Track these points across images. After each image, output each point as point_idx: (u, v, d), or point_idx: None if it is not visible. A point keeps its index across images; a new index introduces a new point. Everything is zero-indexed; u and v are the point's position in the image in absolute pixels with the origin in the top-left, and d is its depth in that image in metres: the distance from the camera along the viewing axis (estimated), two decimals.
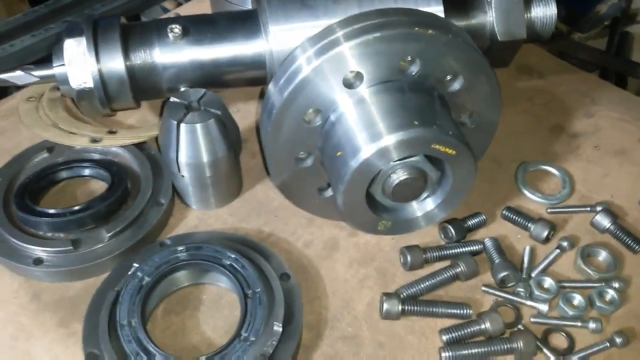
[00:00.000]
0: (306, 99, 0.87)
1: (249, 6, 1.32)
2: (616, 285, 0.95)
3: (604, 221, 1.03)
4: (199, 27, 1.05)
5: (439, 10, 1.02)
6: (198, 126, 0.98)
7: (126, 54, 1.03)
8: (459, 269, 0.96)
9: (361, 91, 0.88)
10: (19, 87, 1.23)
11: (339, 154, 0.86)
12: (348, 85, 0.87)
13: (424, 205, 0.93)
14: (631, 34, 2.11)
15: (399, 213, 0.93)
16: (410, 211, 0.93)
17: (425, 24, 0.86)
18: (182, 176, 1.03)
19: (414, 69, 0.88)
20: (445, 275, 0.96)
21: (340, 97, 0.88)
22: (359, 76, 0.87)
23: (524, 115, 1.25)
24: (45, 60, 1.78)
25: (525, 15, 1.13)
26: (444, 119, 0.86)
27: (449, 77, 0.91)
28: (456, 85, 0.91)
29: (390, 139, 0.82)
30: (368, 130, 0.84)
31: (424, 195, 0.92)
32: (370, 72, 0.87)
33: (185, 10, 1.56)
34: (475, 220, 1.04)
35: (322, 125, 0.90)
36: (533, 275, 0.98)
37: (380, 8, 0.90)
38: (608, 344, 0.89)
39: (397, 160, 0.85)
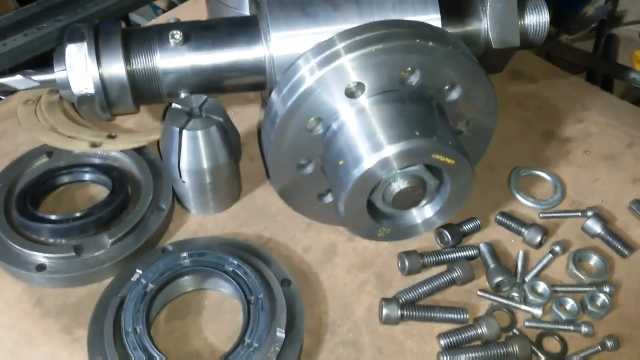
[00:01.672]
0: (309, 108, 0.89)
1: (245, 9, 1.34)
2: (607, 289, 0.98)
3: (595, 226, 1.06)
4: (199, 33, 1.06)
5: (436, 17, 1.03)
6: (200, 133, 0.99)
7: (127, 60, 1.04)
8: (456, 274, 0.98)
9: (362, 101, 0.89)
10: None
11: (341, 162, 0.88)
12: (350, 94, 0.89)
13: (423, 213, 0.95)
14: (616, 36, 2.15)
15: (399, 220, 0.95)
16: (410, 218, 0.95)
17: (425, 36, 0.88)
18: (183, 182, 1.04)
19: (414, 79, 0.90)
20: (443, 280, 0.98)
21: (342, 106, 0.90)
22: (360, 86, 0.89)
23: (516, 120, 1.28)
24: (39, 60, 1.78)
25: (519, 22, 1.16)
26: (443, 129, 0.88)
27: (447, 87, 0.93)
28: (454, 95, 0.93)
29: (391, 150, 0.84)
30: (370, 140, 0.86)
31: (423, 202, 0.94)
32: (371, 82, 0.88)
33: (180, 12, 1.56)
34: (471, 225, 1.06)
35: (323, 134, 0.92)
36: (527, 279, 1.00)
37: (381, 20, 0.92)
38: (599, 347, 0.92)
39: (397, 169, 0.87)
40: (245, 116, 1.27)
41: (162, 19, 1.53)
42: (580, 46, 2.11)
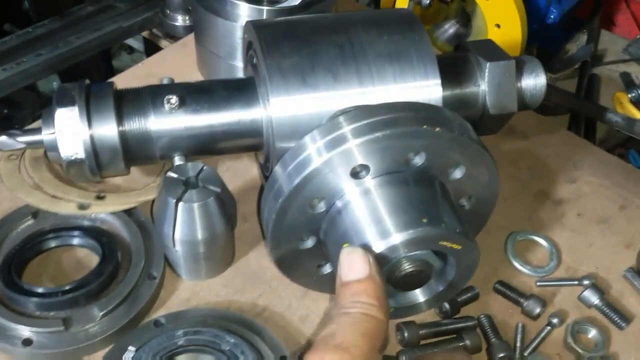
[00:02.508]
0: (314, 187, 0.87)
1: (237, 60, 1.32)
2: None
3: (592, 298, 1.06)
4: (194, 97, 1.03)
5: (436, 83, 1.02)
6: (196, 205, 0.96)
7: (120, 123, 1.00)
8: (463, 344, 0.98)
9: (367, 182, 0.88)
10: None
11: (345, 245, 0.86)
12: (354, 175, 0.87)
13: (427, 292, 0.94)
14: (598, 76, 2.18)
15: (402, 299, 0.94)
16: (413, 297, 0.94)
17: (432, 121, 0.87)
18: (176, 250, 1.01)
19: (419, 161, 0.89)
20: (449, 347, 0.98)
21: (347, 186, 0.88)
22: (365, 167, 0.87)
23: (510, 180, 1.28)
24: (15, 96, 1.72)
25: (516, 84, 1.15)
26: (449, 214, 0.87)
27: (451, 167, 0.92)
28: (457, 174, 0.92)
29: (399, 237, 0.82)
30: (376, 226, 0.85)
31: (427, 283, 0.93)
32: (377, 164, 0.87)
33: (167, 55, 1.52)
34: (470, 294, 1.06)
35: (326, 211, 0.90)
36: (526, 354, 1.00)
37: (388, 103, 0.91)
38: None
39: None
40: (237, 172, 1.25)
41: (148, 70, 1.48)
42: (563, 85, 2.13)
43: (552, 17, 1.99)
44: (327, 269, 1.00)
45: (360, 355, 0.68)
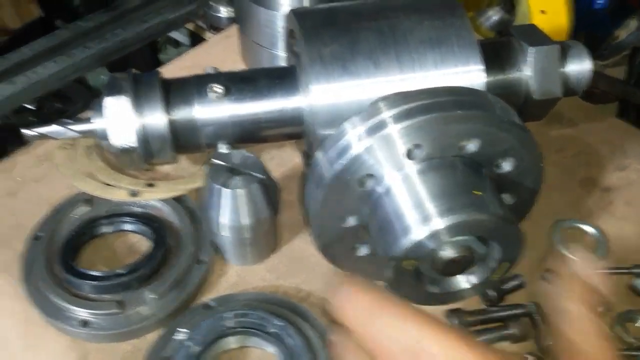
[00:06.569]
0: (356, 172, 0.88)
1: (279, 50, 1.33)
2: None
3: None
4: (239, 86, 1.05)
5: (478, 69, 1.01)
6: (241, 191, 0.98)
7: (167, 112, 1.03)
8: (512, 332, 0.98)
9: (409, 166, 0.88)
10: None
11: (388, 229, 0.87)
12: (397, 160, 0.88)
13: (471, 278, 0.94)
14: None
15: (446, 285, 0.94)
16: (457, 283, 0.94)
17: (475, 105, 0.87)
18: (222, 236, 1.04)
19: (471, 148, 0.88)
20: (496, 335, 0.99)
21: (388, 171, 0.88)
22: (409, 152, 0.87)
23: (555, 167, 1.26)
24: (67, 90, 1.76)
25: (561, 69, 1.13)
26: (495, 201, 0.87)
27: (500, 159, 0.91)
28: (506, 167, 0.92)
29: (442, 222, 0.83)
30: (419, 210, 0.85)
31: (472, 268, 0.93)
32: (420, 149, 0.87)
33: (211, 46, 1.55)
34: (516, 282, 1.05)
35: (369, 194, 0.91)
36: None
37: (428, 87, 0.91)
38: None
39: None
40: (282, 160, 1.27)
41: (193, 61, 1.51)
42: (613, 72, 2.07)
43: (600, 2, 1.94)
44: (362, 251, 1.00)
45: None
